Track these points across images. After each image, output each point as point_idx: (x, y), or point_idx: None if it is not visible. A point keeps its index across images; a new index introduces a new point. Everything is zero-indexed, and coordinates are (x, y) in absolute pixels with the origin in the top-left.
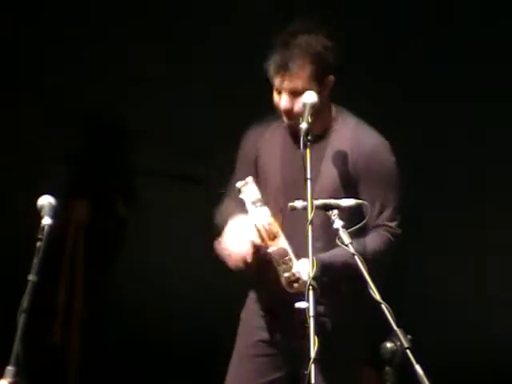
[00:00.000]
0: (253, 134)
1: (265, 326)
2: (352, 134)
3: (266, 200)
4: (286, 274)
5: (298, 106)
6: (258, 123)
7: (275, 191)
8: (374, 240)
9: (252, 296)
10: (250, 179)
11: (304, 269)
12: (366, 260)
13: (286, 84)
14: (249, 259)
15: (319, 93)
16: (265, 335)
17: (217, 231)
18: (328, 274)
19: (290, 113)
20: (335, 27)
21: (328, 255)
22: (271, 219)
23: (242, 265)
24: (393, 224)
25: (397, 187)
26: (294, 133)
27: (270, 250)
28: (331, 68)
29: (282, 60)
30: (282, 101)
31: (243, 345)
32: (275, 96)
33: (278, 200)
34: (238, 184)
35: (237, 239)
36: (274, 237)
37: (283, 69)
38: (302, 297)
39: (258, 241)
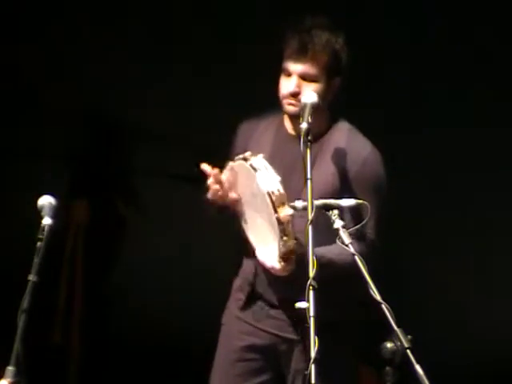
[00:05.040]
0: (244, 130)
1: (246, 330)
2: (346, 141)
3: None
4: (283, 249)
5: (304, 94)
6: (250, 118)
7: None
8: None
9: (233, 295)
10: (248, 153)
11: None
12: (341, 265)
13: (300, 66)
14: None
15: (324, 92)
16: (246, 339)
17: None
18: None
19: (295, 97)
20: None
21: (320, 249)
22: (280, 186)
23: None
24: (373, 236)
25: (384, 200)
26: (294, 126)
27: (279, 215)
28: (341, 70)
29: (301, 42)
30: (291, 83)
31: (225, 350)
32: (282, 81)
33: None
34: (247, 153)
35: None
36: (282, 204)
37: (301, 50)
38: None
39: (269, 205)
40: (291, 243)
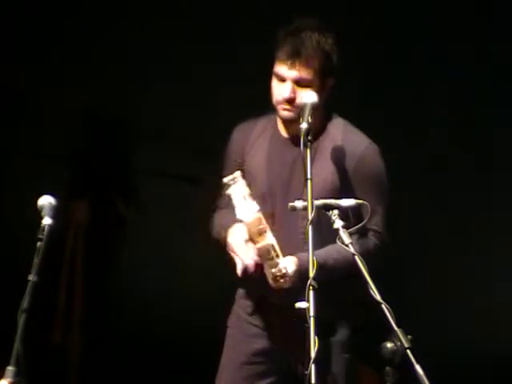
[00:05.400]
0: (239, 134)
1: (254, 333)
2: (342, 138)
3: None
4: (273, 270)
5: (299, 99)
6: (245, 122)
7: (261, 194)
8: (361, 244)
9: (239, 301)
10: (237, 174)
11: (290, 265)
12: (345, 268)
13: (294, 72)
14: (252, 268)
15: (318, 93)
16: (255, 342)
17: (215, 242)
18: (321, 271)
19: (291, 103)
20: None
21: (322, 252)
22: (259, 214)
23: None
24: (382, 230)
25: (386, 193)
26: (288, 128)
27: (257, 246)
28: (334, 71)
29: (293, 47)
30: (286, 89)
31: (232, 353)
32: (275, 86)
33: (264, 203)
34: (226, 179)
35: (243, 248)
36: (261, 232)
37: (294, 55)
38: (288, 296)
39: (245, 237)
40: (275, 268)
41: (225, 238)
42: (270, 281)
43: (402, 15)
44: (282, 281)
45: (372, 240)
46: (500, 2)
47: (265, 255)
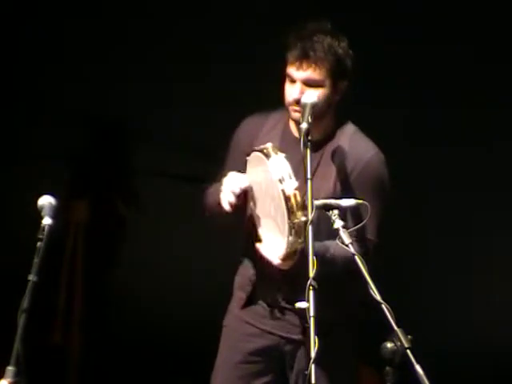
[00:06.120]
0: (249, 125)
1: (250, 332)
2: (350, 144)
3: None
4: (288, 249)
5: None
6: (256, 114)
7: None
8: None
9: (234, 295)
10: (270, 144)
11: None
12: (343, 262)
13: (303, 73)
14: (236, 195)
15: (330, 95)
16: (251, 341)
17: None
18: (322, 261)
19: (300, 104)
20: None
21: (321, 244)
22: (298, 191)
23: (230, 201)
24: (373, 237)
25: (385, 202)
26: (298, 128)
27: (293, 221)
28: (347, 74)
29: (304, 48)
30: (295, 90)
31: (228, 352)
32: (287, 86)
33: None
34: (268, 145)
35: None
36: (297, 209)
37: (304, 56)
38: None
39: (284, 208)
40: (297, 245)
41: (218, 190)
42: (277, 259)
43: (401, 15)
44: (287, 261)
45: (363, 246)
46: (500, 2)
47: (294, 231)
